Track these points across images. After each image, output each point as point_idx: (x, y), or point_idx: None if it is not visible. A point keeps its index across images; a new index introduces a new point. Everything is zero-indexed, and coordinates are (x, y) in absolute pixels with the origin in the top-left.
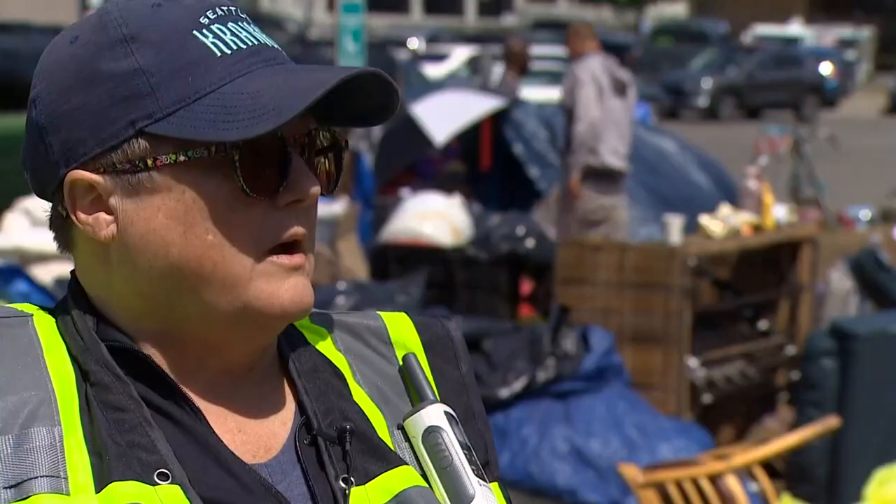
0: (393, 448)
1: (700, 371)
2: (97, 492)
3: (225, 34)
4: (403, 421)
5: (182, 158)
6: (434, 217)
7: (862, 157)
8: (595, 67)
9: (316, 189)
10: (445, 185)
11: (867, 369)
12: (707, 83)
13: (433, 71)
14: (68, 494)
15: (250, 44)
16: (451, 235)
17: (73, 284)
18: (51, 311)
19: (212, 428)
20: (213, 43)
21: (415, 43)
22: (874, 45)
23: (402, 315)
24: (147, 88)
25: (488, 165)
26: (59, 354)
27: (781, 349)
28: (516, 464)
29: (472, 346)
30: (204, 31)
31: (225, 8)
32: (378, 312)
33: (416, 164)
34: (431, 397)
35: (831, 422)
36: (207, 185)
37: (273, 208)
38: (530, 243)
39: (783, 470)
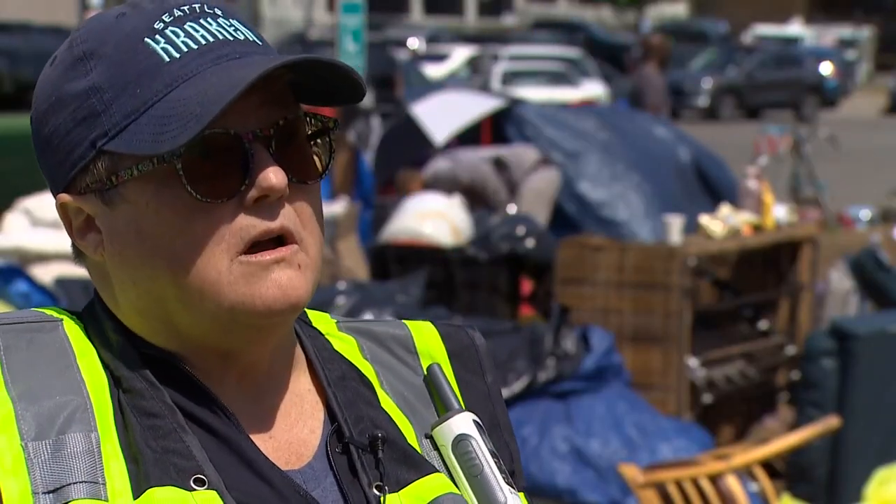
0: (423, 456)
1: (700, 371)
2: (135, 497)
3: (178, 36)
4: (432, 430)
5: (135, 173)
6: (434, 217)
7: (862, 156)
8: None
9: (279, 182)
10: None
11: (867, 369)
12: (707, 83)
13: (433, 71)
14: (106, 500)
15: (203, 42)
16: (451, 235)
17: (97, 292)
18: (79, 317)
19: (247, 434)
20: (163, 48)
21: (415, 43)
22: (874, 44)
23: (428, 324)
24: (101, 106)
25: None
26: (91, 360)
27: (781, 349)
28: None
29: None
30: (157, 36)
31: (186, 7)
32: (404, 322)
33: (415, 163)
34: (457, 407)
35: (831, 422)
36: (165, 194)
37: (241, 208)
38: (530, 243)
39: (783, 470)
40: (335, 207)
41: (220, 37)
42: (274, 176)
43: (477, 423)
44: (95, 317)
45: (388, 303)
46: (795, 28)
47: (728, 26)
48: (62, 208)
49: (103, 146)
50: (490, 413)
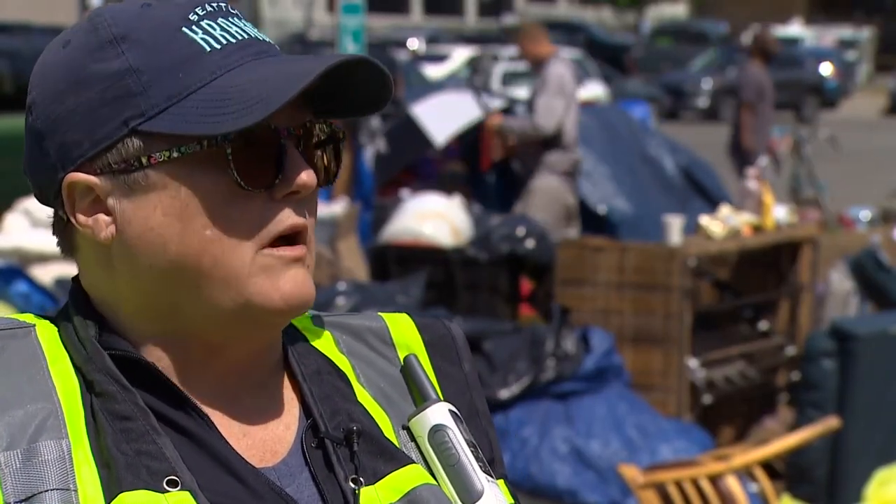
0: (400, 448)
1: (700, 372)
2: (107, 503)
3: (214, 30)
4: (408, 421)
5: (175, 155)
6: (434, 217)
7: (862, 157)
8: (564, 73)
9: (311, 180)
10: (445, 185)
11: (867, 370)
12: (707, 84)
13: (433, 72)
14: None
15: (240, 38)
16: (451, 236)
17: (74, 290)
18: (52, 320)
19: (220, 433)
20: (202, 39)
21: (415, 44)
22: (874, 45)
23: (404, 316)
24: (139, 87)
25: (488, 166)
26: (64, 365)
27: (781, 350)
28: (516, 464)
29: (472, 346)
30: (193, 27)
31: (214, 4)
32: (379, 314)
33: (415, 164)
34: (434, 397)
35: (831, 422)
36: (202, 180)
37: (270, 201)
38: (530, 244)
39: (783, 470)
40: (335, 208)
41: (250, 35)
42: (306, 175)
43: (453, 412)
44: (69, 320)
45: (389, 303)
46: (795, 28)
47: (728, 27)
48: (69, 188)
49: (137, 126)
50: (468, 402)
